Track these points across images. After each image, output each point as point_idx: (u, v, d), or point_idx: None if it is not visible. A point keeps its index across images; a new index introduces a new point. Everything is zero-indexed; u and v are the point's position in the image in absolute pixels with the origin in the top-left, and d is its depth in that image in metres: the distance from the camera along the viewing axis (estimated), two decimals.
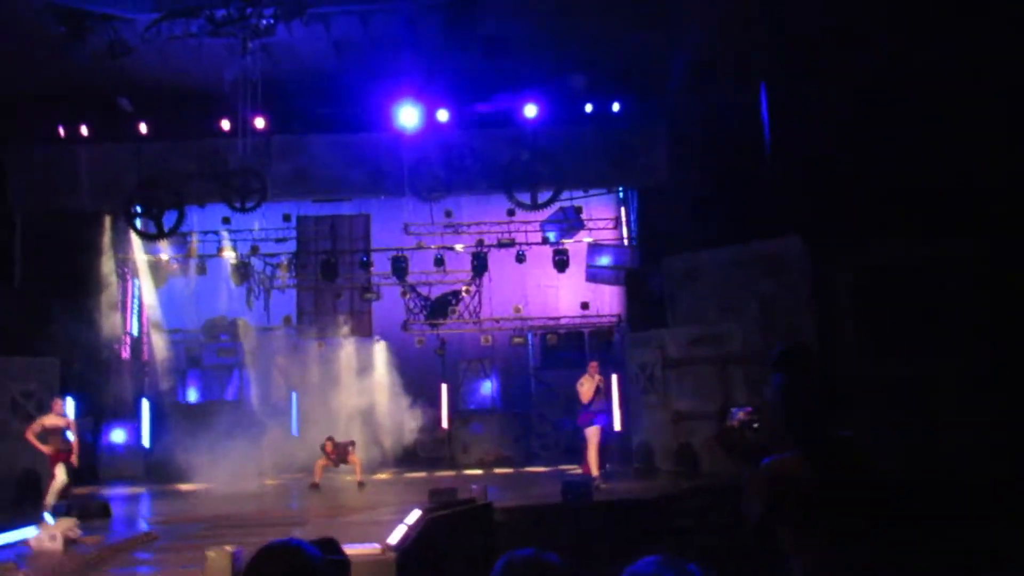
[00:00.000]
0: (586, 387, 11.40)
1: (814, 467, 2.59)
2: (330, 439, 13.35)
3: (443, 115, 14.42)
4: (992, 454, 10.05)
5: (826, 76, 11.98)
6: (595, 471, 11.29)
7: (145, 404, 16.11)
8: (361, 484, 13.11)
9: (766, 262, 12.90)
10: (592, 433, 11.36)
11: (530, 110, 14.32)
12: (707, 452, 12.26)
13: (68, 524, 8.59)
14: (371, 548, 6.90)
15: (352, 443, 13.43)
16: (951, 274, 11.50)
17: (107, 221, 16.24)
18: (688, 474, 12.02)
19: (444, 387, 16.62)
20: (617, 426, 12.80)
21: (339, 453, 13.24)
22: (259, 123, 14.07)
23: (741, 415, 3.12)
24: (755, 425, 3.05)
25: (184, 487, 13.47)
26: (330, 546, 3.38)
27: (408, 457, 15.95)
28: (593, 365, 11.73)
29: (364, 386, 15.86)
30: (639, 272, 15.78)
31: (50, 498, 10.66)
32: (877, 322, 11.59)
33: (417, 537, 7.76)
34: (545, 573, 2.22)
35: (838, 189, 11.63)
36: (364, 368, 16.19)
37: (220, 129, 14.20)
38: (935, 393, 10.93)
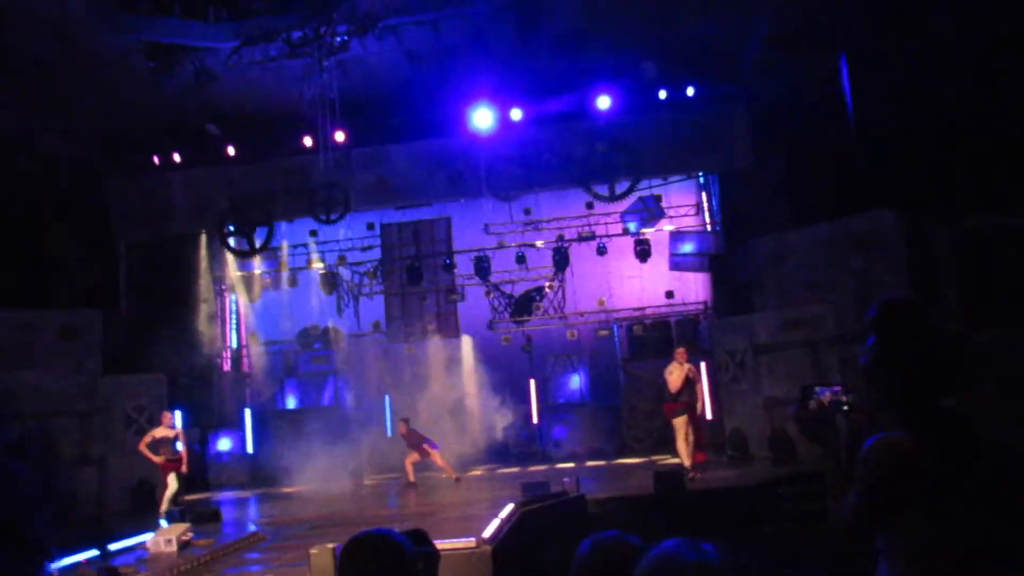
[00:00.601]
0: (675, 375, 11.02)
1: (931, 447, 2.16)
2: (404, 420, 13.69)
3: (517, 114, 14.50)
4: None
5: (907, 43, 11.47)
6: (686, 461, 11.11)
7: (247, 413, 16.83)
8: (457, 480, 13.33)
9: (857, 239, 12.46)
10: (680, 424, 11.13)
11: (603, 102, 14.25)
12: (802, 437, 11.93)
13: (182, 528, 9.07)
14: (466, 542, 7.02)
15: (429, 441, 13.61)
16: None
17: (202, 242, 17.04)
18: (783, 460, 11.72)
19: (532, 383, 16.72)
20: (708, 414, 12.55)
21: (414, 439, 13.50)
22: (339, 137, 14.47)
23: (828, 395, 2.68)
24: (845, 407, 2.61)
25: (287, 490, 14.00)
26: (420, 537, 3.49)
27: (500, 453, 16.12)
28: (680, 352, 11.33)
29: (454, 385, 16.12)
30: (724, 257, 15.47)
31: (164, 505, 11.28)
32: (981, 290, 11.01)
33: (511, 530, 7.86)
34: (628, 554, 2.25)
35: (925, 159, 11.12)
36: (453, 367, 16.45)
37: (303, 146, 14.69)
38: None
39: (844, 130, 12.81)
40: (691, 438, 11.19)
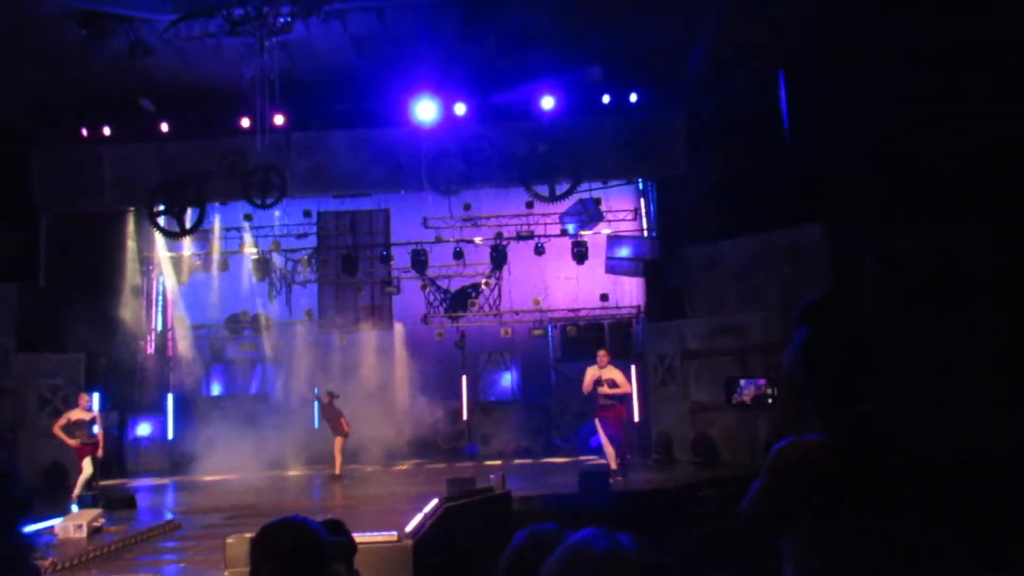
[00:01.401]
0: (586, 378, 11.31)
1: (843, 451, 2.13)
2: (331, 394, 13.63)
3: (460, 108, 14.45)
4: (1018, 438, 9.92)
5: (844, 61, 11.84)
6: (613, 463, 11.28)
7: (170, 398, 16.38)
8: (338, 476, 13.19)
9: (787, 250, 12.80)
10: (600, 426, 11.35)
11: (547, 102, 14.32)
12: (725, 442, 12.22)
13: (93, 514, 8.78)
14: (388, 535, 6.96)
15: (343, 416, 13.54)
16: (973, 256, 11.35)
17: (130, 220, 16.50)
18: (706, 464, 11.97)
19: (464, 379, 16.71)
20: (636, 417, 12.74)
21: (332, 413, 13.43)
22: (278, 120, 14.18)
23: (752, 389, 2.68)
24: (769, 400, 2.64)
25: (208, 478, 13.67)
26: (336, 527, 3.43)
27: (429, 448, 16.07)
28: (601, 354, 11.53)
29: (384, 378, 16.00)
30: (658, 263, 15.70)
31: (77, 489, 10.91)
32: (902, 306, 11.43)
33: (434, 525, 7.82)
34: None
35: (858, 175, 11.50)
36: (384, 360, 16.33)
37: (240, 127, 14.33)
38: (963, 376, 10.77)
39: (779, 144, 13.15)
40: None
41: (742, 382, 2.28)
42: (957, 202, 10.95)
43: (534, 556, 2.11)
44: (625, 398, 11.74)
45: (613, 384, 11.14)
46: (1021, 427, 10.00)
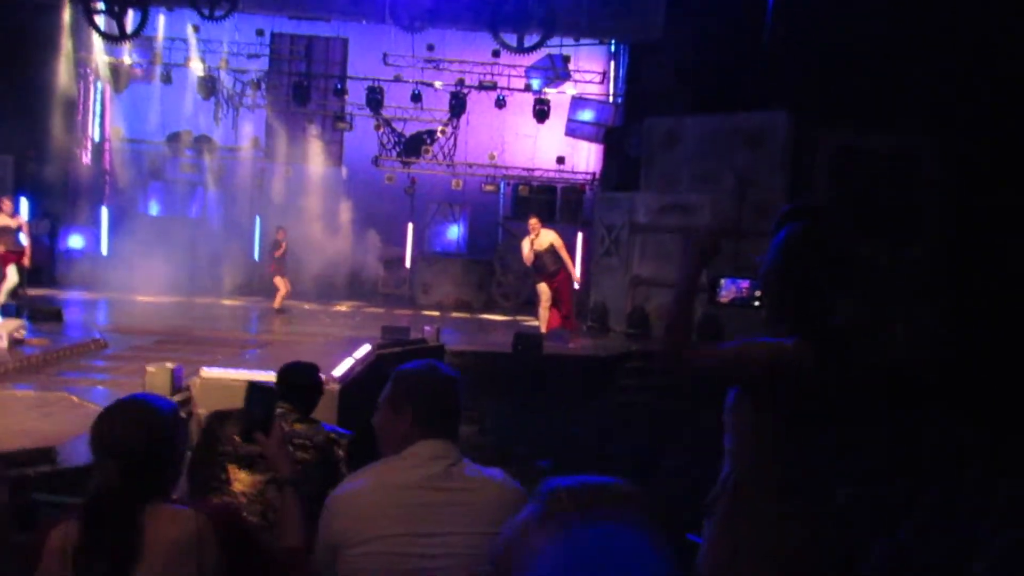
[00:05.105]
0: (525, 248, 11.21)
1: (817, 356, 2.14)
2: (281, 228, 13.47)
3: None
4: (937, 344, 10.35)
5: None
6: (543, 327, 11.45)
7: (104, 212, 15.84)
8: (280, 311, 13.12)
9: (748, 135, 12.58)
10: (542, 290, 11.41)
11: None
12: (659, 319, 12.46)
13: (15, 324, 8.55)
14: None
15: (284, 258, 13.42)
16: (926, 167, 11.44)
17: (66, 15, 15.24)
18: (638, 336, 12.25)
19: (411, 226, 16.53)
20: (576, 285, 12.83)
21: (278, 251, 13.30)
22: None
23: (733, 289, 2.49)
24: (755, 303, 2.43)
25: (140, 298, 13.45)
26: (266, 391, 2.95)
27: (369, 292, 16.08)
28: (532, 222, 11.35)
29: (329, 216, 15.68)
30: (619, 131, 15.40)
31: (1, 297, 10.61)
32: (854, 206, 11.52)
33: (363, 371, 7.88)
34: (442, 383, 2.18)
35: (829, 74, 11.27)
36: (330, 198, 15.96)
37: None
38: (907, 278, 11.07)
39: (759, 26, 12.68)
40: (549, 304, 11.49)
41: (723, 281, 2.18)
42: (917, 120, 10.93)
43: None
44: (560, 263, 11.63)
45: (554, 255, 11.17)
46: (965, 329, 10.36)
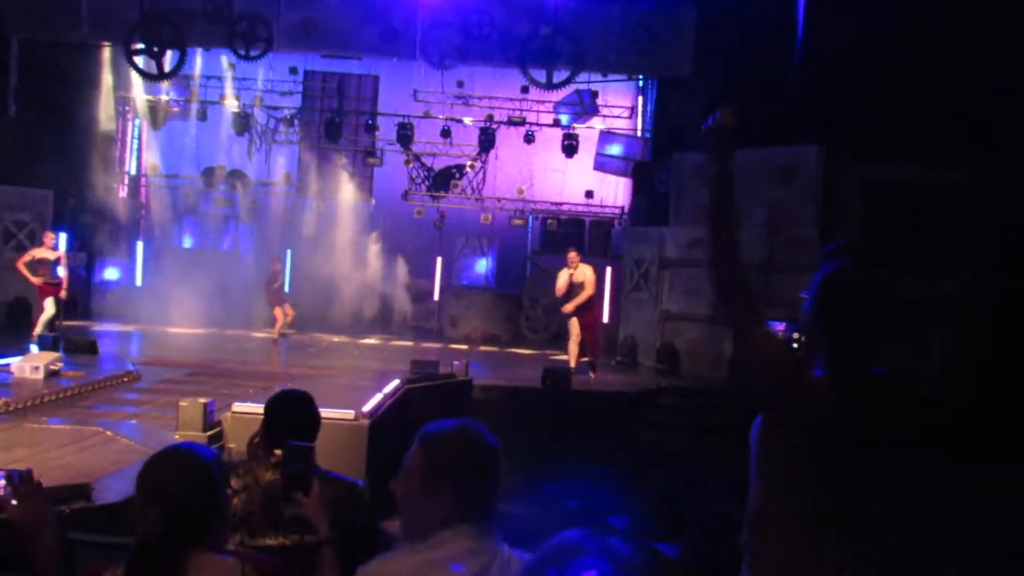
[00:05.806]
0: (561, 280, 11.20)
1: (845, 399, 2.05)
2: (276, 258, 14.05)
3: None
4: (974, 381, 10.12)
5: None
6: (572, 362, 11.37)
7: (140, 245, 16.12)
8: (276, 339, 13.55)
9: (779, 169, 12.52)
10: (573, 324, 11.34)
11: None
12: (689, 354, 12.35)
13: (52, 356, 8.69)
14: (345, 413, 6.97)
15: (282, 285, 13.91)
16: (959, 200, 11.30)
17: (107, 55, 15.68)
18: (668, 372, 12.13)
19: (439, 260, 16.61)
20: (604, 318, 12.78)
21: (275, 283, 13.72)
22: None
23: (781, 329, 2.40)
24: (795, 347, 2.49)
25: (173, 330, 13.62)
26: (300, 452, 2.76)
27: (397, 325, 16.13)
28: (572, 255, 11.34)
29: (359, 250, 15.83)
30: (648, 165, 15.42)
31: (38, 328, 10.81)
32: (884, 240, 11.37)
33: (392, 406, 7.86)
34: (488, 454, 1.88)
35: (860, 107, 11.18)
36: (360, 231, 16.12)
37: None
38: (932, 316, 10.86)
39: (788, 59, 12.66)
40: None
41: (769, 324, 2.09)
42: (951, 152, 10.81)
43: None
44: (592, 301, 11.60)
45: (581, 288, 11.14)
46: (992, 364, 10.14)
